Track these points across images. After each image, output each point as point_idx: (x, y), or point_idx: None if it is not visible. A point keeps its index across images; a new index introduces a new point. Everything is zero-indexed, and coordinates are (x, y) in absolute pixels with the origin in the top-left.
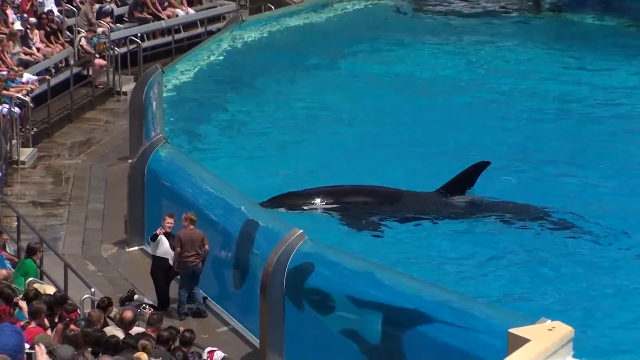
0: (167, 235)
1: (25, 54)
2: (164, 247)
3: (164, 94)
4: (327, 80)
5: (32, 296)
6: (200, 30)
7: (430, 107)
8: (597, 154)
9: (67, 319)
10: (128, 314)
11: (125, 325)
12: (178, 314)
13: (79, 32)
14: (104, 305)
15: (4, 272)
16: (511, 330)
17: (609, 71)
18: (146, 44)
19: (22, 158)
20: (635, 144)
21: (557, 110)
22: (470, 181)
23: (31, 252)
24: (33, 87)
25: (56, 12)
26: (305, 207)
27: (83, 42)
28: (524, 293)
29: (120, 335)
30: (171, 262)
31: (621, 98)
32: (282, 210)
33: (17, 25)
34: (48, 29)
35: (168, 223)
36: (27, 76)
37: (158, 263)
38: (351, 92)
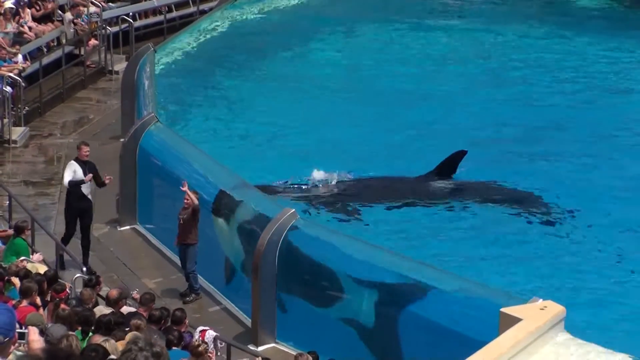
0: (84, 162)
1: (18, 32)
2: (78, 175)
3: (156, 73)
4: (321, 60)
5: (22, 275)
6: (192, 9)
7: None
8: (592, 139)
9: (57, 299)
10: (113, 293)
11: (112, 303)
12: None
13: (70, 11)
14: (92, 283)
15: None
16: (503, 310)
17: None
18: (138, 23)
19: (13, 137)
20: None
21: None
22: (451, 169)
23: (19, 230)
24: (25, 66)
25: None
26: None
27: (78, 20)
28: (514, 273)
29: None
30: (84, 191)
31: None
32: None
33: (8, 4)
34: (38, 8)
35: (85, 152)
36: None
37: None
38: (346, 72)
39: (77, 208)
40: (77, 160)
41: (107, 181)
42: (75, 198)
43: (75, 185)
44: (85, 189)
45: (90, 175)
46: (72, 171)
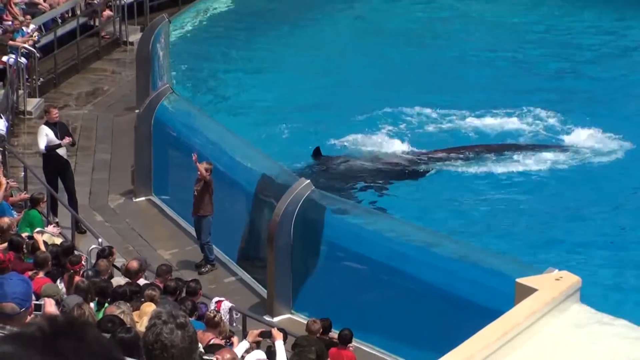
0: (53, 124)
1: (32, 4)
2: (51, 138)
3: (171, 44)
4: (334, 31)
5: (37, 247)
6: None
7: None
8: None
9: (72, 271)
10: (133, 264)
11: (131, 275)
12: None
13: None
14: (105, 254)
15: (6, 219)
16: (518, 280)
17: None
18: None
19: (28, 108)
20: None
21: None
22: None
23: (35, 202)
24: (33, 39)
25: None
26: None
27: None
28: (530, 243)
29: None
30: (60, 152)
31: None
32: None
33: None
34: None
35: (55, 114)
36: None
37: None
38: (357, 43)
39: (55, 170)
40: (47, 123)
41: (66, 141)
42: (51, 160)
43: (51, 149)
44: (60, 150)
45: (68, 138)
46: (44, 135)
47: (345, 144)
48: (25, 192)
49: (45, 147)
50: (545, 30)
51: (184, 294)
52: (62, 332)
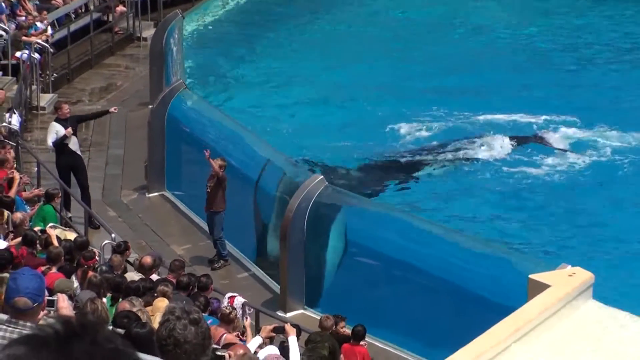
0: (64, 120)
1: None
2: (60, 134)
3: (184, 40)
4: (350, 24)
5: (50, 242)
6: None
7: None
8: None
9: (85, 266)
10: (147, 260)
11: (145, 270)
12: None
13: None
14: (121, 249)
15: (19, 215)
16: (531, 276)
17: None
18: None
19: (42, 104)
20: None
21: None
22: None
23: (50, 197)
24: (47, 35)
25: None
26: None
27: None
28: (544, 240)
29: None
30: (72, 147)
31: None
32: None
33: None
34: None
35: (66, 110)
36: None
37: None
38: (372, 41)
39: (67, 165)
40: (57, 120)
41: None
42: (63, 156)
43: (59, 144)
44: (72, 145)
45: (70, 129)
46: (55, 132)
47: (363, 144)
48: (39, 187)
49: (53, 142)
50: (557, 27)
51: (196, 289)
52: (75, 334)
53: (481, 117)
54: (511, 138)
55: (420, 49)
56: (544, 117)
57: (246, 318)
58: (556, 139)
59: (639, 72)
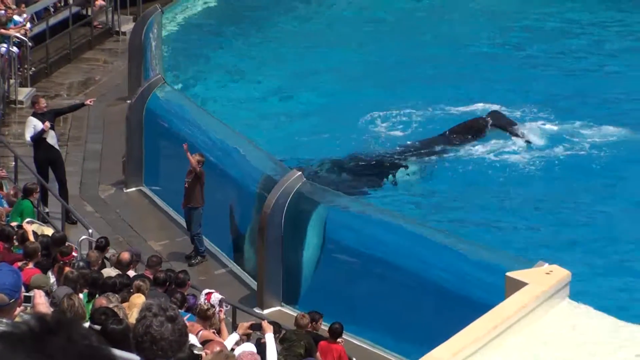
0: (41, 114)
1: None
2: (38, 129)
3: (163, 35)
4: (334, 19)
5: (26, 238)
6: None
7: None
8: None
9: (62, 262)
10: (125, 256)
11: (123, 266)
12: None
13: None
14: (102, 245)
15: None
16: (509, 274)
17: None
18: None
19: (20, 98)
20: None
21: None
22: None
23: (28, 192)
24: (25, 28)
25: None
26: None
27: None
28: (521, 237)
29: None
30: (50, 142)
31: None
32: None
33: None
34: None
35: (43, 104)
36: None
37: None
38: (358, 36)
39: (45, 159)
40: (34, 114)
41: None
42: (41, 150)
43: (37, 138)
44: (50, 139)
45: (48, 123)
46: (32, 126)
47: (341, 138)
48: (16, 183)
49: (31, 137)
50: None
51: (173, 286)
52: (50, 331)
53: (459, 109)
54: (487, 131)
55: (396, 39)
56: (520, 110)
57: (221, 313)
58: (533, 133)
59: (620, 66)
